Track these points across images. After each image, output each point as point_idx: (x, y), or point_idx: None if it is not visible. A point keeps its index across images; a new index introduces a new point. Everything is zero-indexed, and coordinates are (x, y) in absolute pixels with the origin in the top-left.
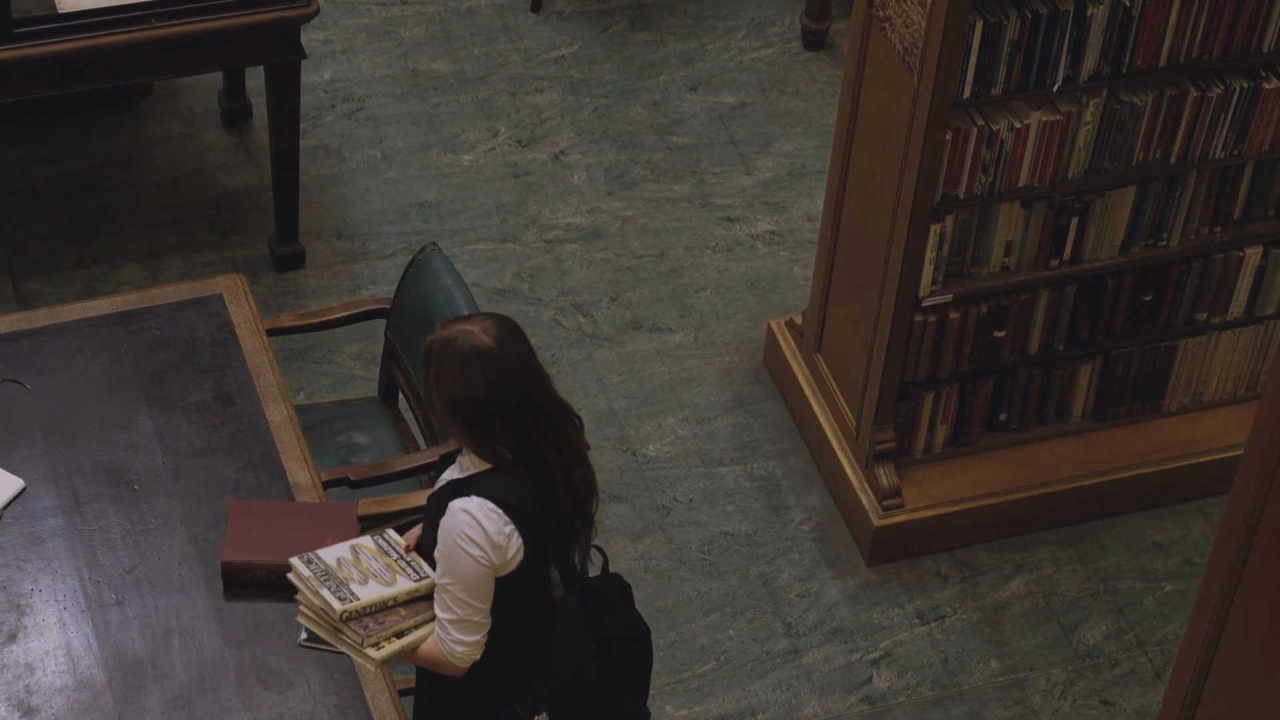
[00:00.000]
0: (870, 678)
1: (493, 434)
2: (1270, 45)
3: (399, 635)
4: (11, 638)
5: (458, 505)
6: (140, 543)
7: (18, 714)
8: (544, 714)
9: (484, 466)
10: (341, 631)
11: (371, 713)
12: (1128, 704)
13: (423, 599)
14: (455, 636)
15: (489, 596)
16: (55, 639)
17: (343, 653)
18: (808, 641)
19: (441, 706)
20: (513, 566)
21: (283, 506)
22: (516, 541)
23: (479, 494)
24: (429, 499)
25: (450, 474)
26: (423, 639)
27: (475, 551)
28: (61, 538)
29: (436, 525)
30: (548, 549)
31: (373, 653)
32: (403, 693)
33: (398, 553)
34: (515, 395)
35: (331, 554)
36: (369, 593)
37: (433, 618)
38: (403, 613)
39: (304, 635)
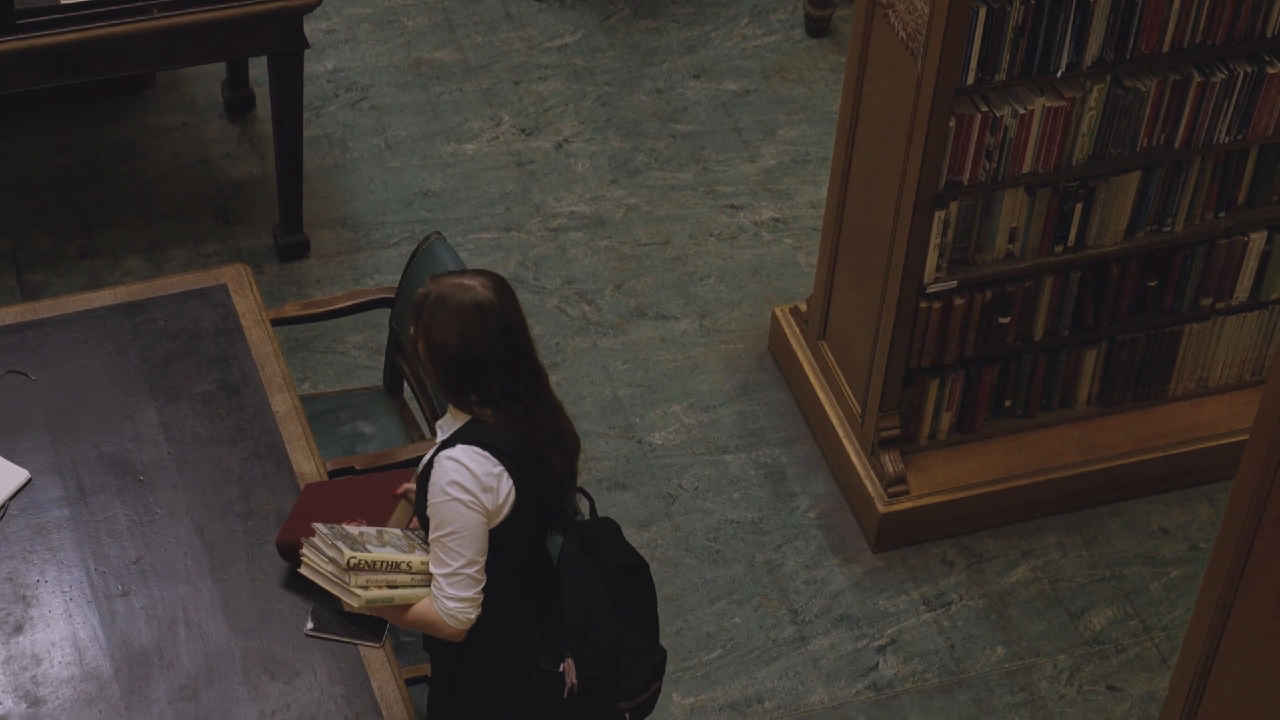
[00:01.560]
0: (876, 664)
1: (481, 387)
2: (1274, 30)
3: (392, 587)
4: (18, 629)
5: (444, 454)
6: (146, 533)
7: (25, 705)
8: (569, 660)
9: (454, 426)
10: (338, 580)
11: (378, 701)
12: (1134, 690)
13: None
14: (449, 592)
15: (483, 549)
16: (62, 630)
17: (353, 643)
18: (814, 629)
19: (460, 690)
20: (505, 511)
21: (354, 481)
22: (507, 483)
23: (463, 441)
24: (418, 478)
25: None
26: (415, 598)
27: (465, 497)
28: (67, 529)
29: (423, 482)
30: (541, 497)
31: (360, 592)
32: (410, 681)
33: (421, 540)
34: (509, 349)
35: (355, 527)
36: (381, 554)
37: (429, 581)
38: (406, 578)
39: (310, 625)
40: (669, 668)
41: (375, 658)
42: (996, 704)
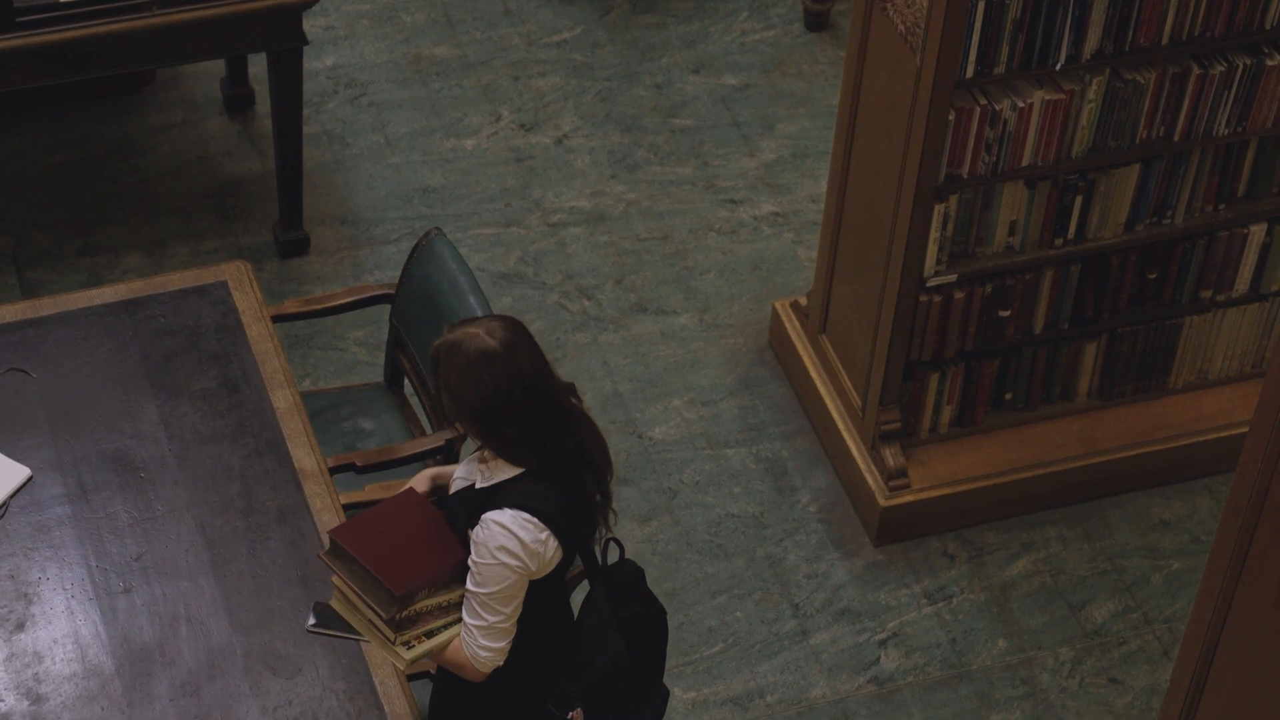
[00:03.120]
0: (878, 658)
1: (507, 435)
2: (1273, 22)
3: (429, 635)
4: (20, 626)
5: (491, 518)
6: (147, 530)
7: (27, 702)
8: (578, 710)
9: (509, 472)
10: (376, 626)
11: (380, 697)
12: (1136, 682)
13: (455, 604)
14: (481, 643)
15: (520, 605)
16: (63, 627)
17: (354, 639)
18: (815, 623)
19: (467, 708)
20: (549, 569)
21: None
22: (553, 545)
23: (511, 505)
24: (450, 498)
25: (465, 473)
26: (451, 639)
27: (513, 563)
28: (68, 526)
29: (456, 521)
30: (575, 547)
31: (404, 652)
32: (411, 678)
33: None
34: (523, 395)
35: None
36: (425, 604)
37: (459, 619)
38: (440, 622)
39: (311, 621)
40: (670, 662)
41: (377, 654)
42: (998, 697)
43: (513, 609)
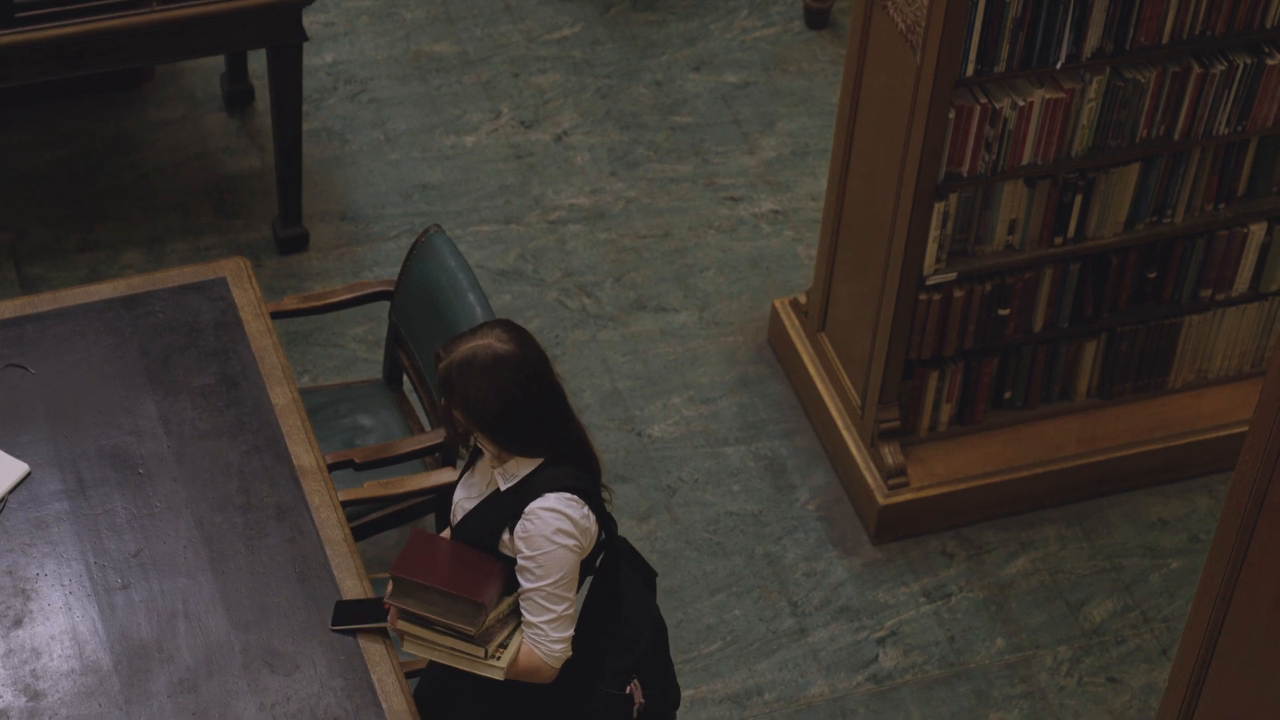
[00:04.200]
0: (876, 656)
1: (529, 431)
2: (1273, 21)
3: (503, 646)
4: (17, 622)
5: (536, 507)
6: (145, 527)
7: (24, 698)
8: (634, 681)
9: (528, 465)
10: (461, 650)
11: (378, 695)
12: (1134, 681)
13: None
14: (553, 636)
15: (577, 585)
16: (61, 623)
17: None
18: (814, 621)
19: (513, 713)
20: (590, 548)
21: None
22: (594, 519)
23: (550, 489)
24: (473, 513)
25: (468, 491)
26: (519, 646)
27: (570, 543)
28: (67, 522)
29: (483, 535)
30: (605, 521)
31: (495, 663)
32: (409, 674)
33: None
34: (542, 390)
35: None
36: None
37: (518, 626)
38: (499, 627)
39: (333, 622)
40: None
41: (375, 651)
42: (996, 695)
43: (574, 594)
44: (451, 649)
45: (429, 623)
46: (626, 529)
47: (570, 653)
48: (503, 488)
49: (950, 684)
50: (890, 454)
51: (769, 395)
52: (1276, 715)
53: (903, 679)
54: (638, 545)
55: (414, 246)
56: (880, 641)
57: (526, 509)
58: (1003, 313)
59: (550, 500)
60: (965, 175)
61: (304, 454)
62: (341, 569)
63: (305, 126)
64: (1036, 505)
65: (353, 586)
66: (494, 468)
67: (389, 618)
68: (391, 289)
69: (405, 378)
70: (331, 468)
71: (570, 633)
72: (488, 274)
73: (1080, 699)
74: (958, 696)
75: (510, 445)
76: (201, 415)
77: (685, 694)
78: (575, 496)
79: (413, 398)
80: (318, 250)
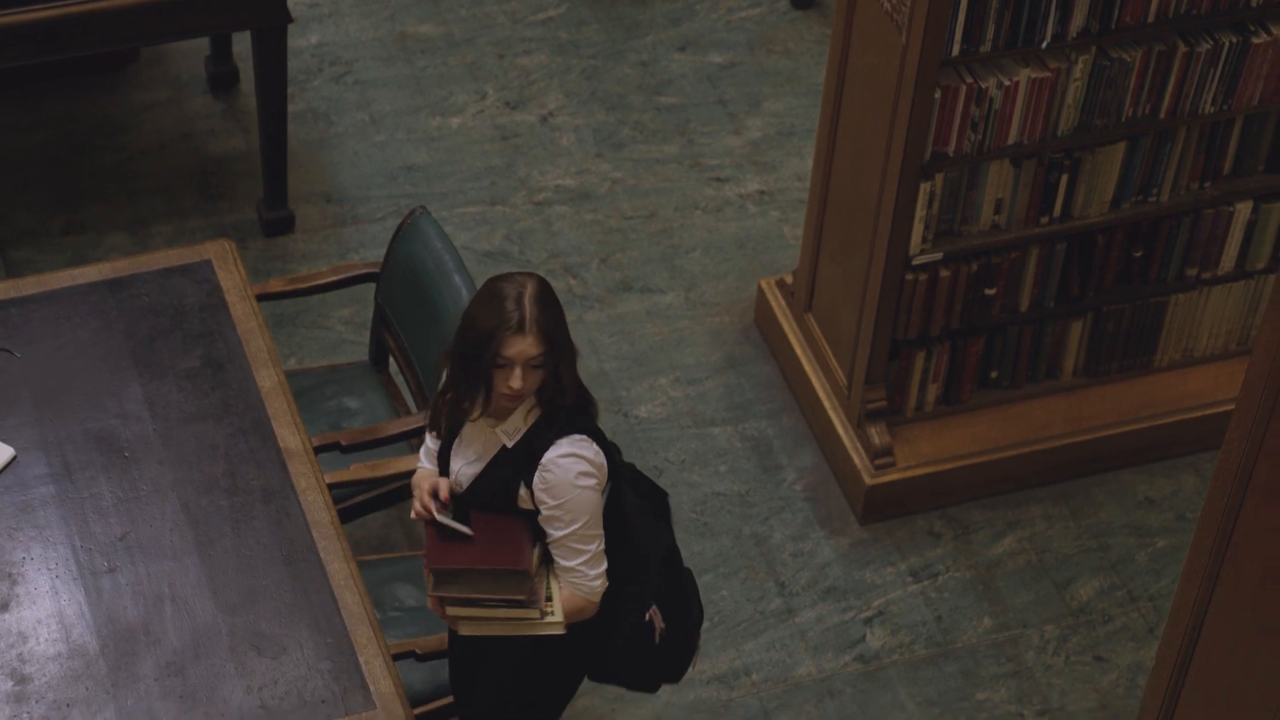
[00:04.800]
0: (864, 636)
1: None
2: (1259, 0)
3: (548, 598)
4: (4, 606)
5: (552, 457)
6: (132, 510)
7: (11, 683)
8: (652, 607)
9: (526, 420)
10: (518, 617)
11: (365, 677)
12: (1121, 660)
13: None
14: (590, 575)
15: (601, 521)
16: (48, 607)
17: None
18: (801, 601)
19: (536, 666)
20: (606, 485)
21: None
22: (604, 459)
23: (559, 435)
24: (484, 475)
25: (470, 456)
26: (559, 591)
27: (591, 483)
28: (53, 505)
29: (496, 495)
30: (609, 454)
31: (552, 619)
32: (396, 657)
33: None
34: None
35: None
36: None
37: (550, 571)
38: (539, 580)
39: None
40: None
41: (363, 634)
42: (984, 675)
43: (601, 530)
44: (506, 619)
45: (478, 602)
46: None
47: (607, 584)
48: (510, 444)
49: (937, 663)
50: (877, 434)
51: (755, 376)
52: (1263, 693)
53: (890, 659)
54: None
55: (399, 228)
56: (867, 621)
57: (542, 461)
58: (989, 292)
59: (564, 446)
60: (951, 155)
61: (290, 436)
62: (328, 551)
63: (290, 108)
64: (1023, 485)
65: (339, 569)
66: (493, 426)
67: (435, 608)
68: (377, 271)
69: (391, 360)
70: (318, 450)
71: (605, 566)
72: (474, 255)
73: (1067, 678)
74: (945, 676)
75: (571, 373)
76: (187, 398)
77: None
78: (583, 436)
79: (399, 380)
80: (303, 232)
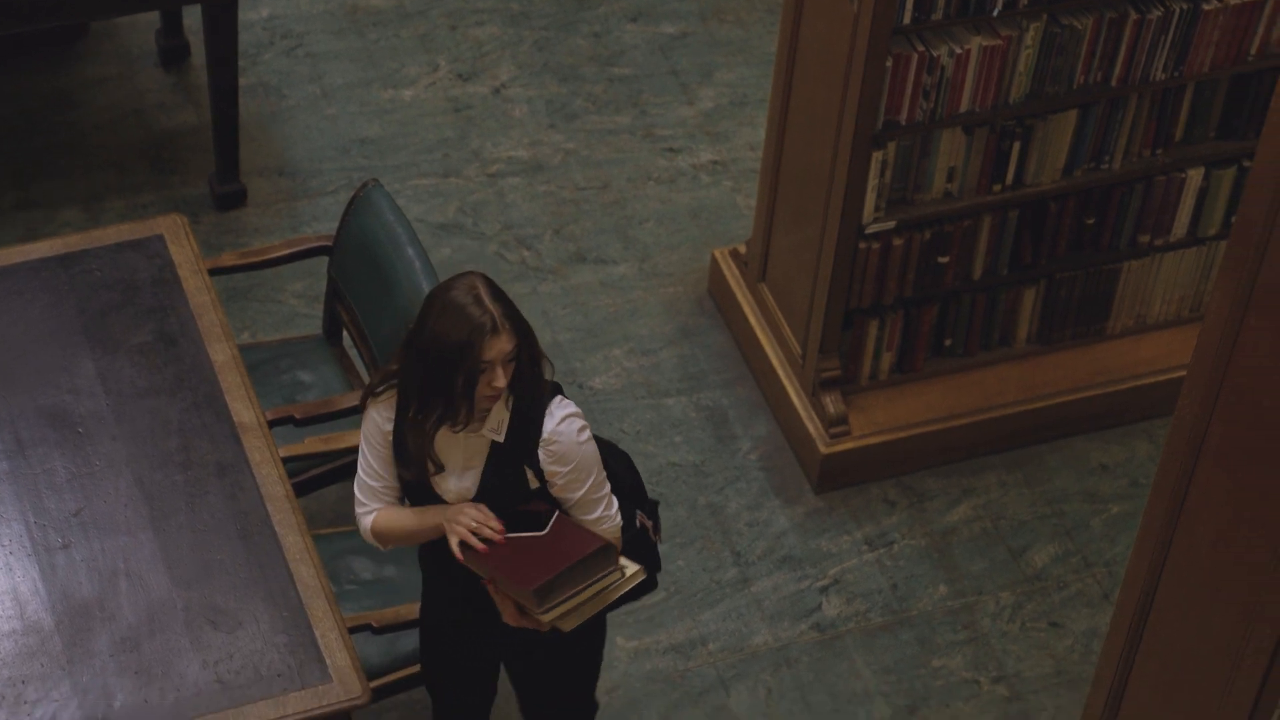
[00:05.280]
0: (819, 605)
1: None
2: None
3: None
4: None
5: (551, 429)
6: (85, 485)
7: None
8: (637, 512)
9: (503, 408)
10: (610, 581)
11: (321, 650)
12: (1076, 625)
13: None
14: (612, 513)
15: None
16: (2, 584)
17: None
18: (757, 570)
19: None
20: None
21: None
22: None
23: (541, 407)
24: (485, 493)
25: (463, 463)
26: (615, 535)
27: (588, 434)
28: (5, 482)
29: (503, 501)
30: None
31: (629, 568)
32: (352, 630)
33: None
34: None
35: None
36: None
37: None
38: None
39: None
40: (611, 615)
41: (318, 607)
42: (939, 642)
43: (604, 471)
44: (598, 594)
45: (578, 593)
46: None
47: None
48: (501, 439)
49: (893, 631)
50: (831, 403)
51: (710, 346)
52: (1216, 657)
53: (846, 627)
54: None
55: (352, 201)
56: (823, 590)
57: (544, 437)
58: (942, 260)
59: (556, 414)
60: (903, 123)
61: (244, 410)
62: (283, 525)
63: (242, 82)
64: (977, 452)
65: (294, 542)
66: (475, 432)
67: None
68: (330, 244)
69: (345, 333)
70: (272, 424)
71: (617, 501)
72: (427, 228)
73: (1023, 644)
74: (901, 644)
75: (538, 353)
76: (140, 373)
77: (629, 645)
78: (559, 396)
79: (353, 353)
80: (255, 206)
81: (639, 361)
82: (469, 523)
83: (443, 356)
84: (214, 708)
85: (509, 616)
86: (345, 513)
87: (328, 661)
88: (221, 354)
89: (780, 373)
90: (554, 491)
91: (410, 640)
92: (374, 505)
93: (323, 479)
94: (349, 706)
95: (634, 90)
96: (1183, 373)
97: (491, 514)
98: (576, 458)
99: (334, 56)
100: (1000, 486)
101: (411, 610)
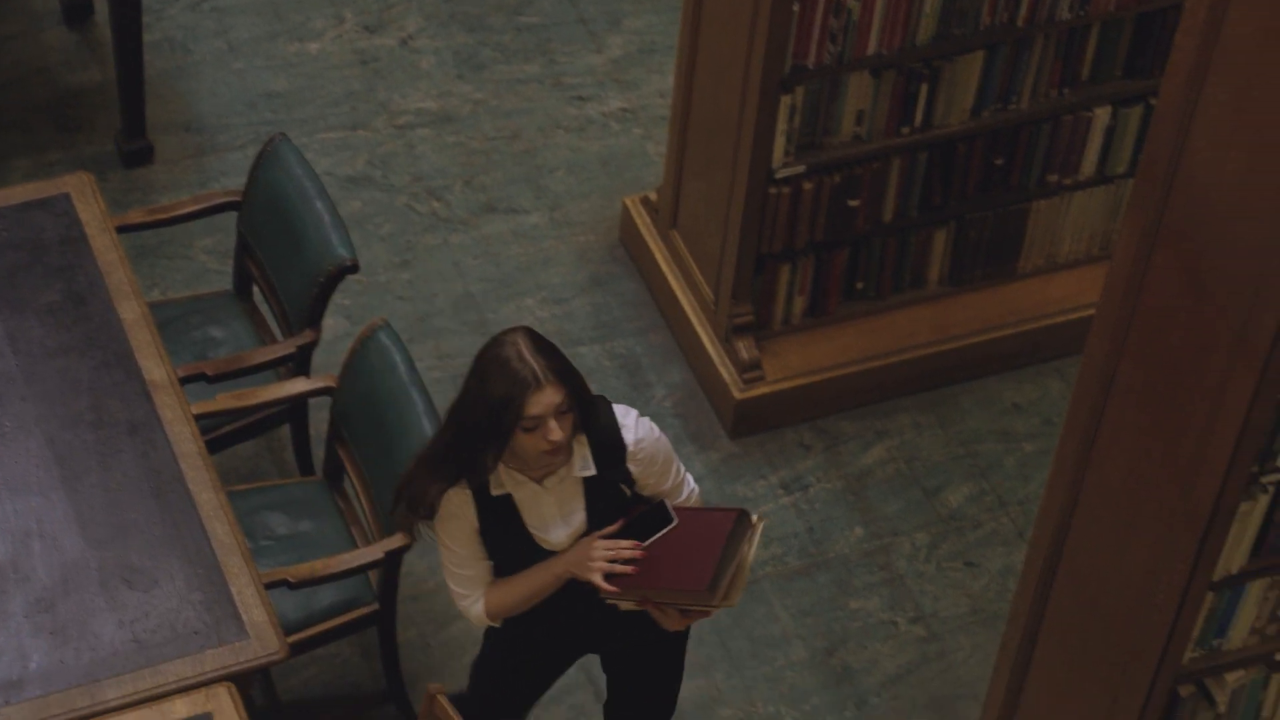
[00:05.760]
0: None
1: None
2: None
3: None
4: None
5: (631, 440)
6: None
7: None
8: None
9: (580, 441)
10: (744, 559)
11: (238, 607)
12: (991, 564)
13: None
14: (688, 477)
15: None
16: None
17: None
18: None
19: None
20: None
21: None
22: None
23: (613, 426)
24: (595, 523)
25: (558, 501)
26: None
27: (653, 424)
28: None
29: (617, 516)
30: None
31: (756, 524)
32: (269, 586)
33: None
34: None
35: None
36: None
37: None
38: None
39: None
40: None
41: (234, 564)
42: (857, 584)
43: None
44: (745, 556)
45: (735, 564)
46: None
47: None
48: (593, 472)
49: (810, 574)
50: (745, 348)
51: (622, 294)
52: (1128, 591)
53: (763, 571)
54: None
55: (260, 156)
56: None
57: (629, 451)
58: (852, 204)
59: (629, 424)
60: (811, 68)
61: (155, 368)
62: (197, 482)
63: (146, 38)
64: (891, 394)
65: (209, 499)
66: (559, 481)
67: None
68: (239, 199)
69: (255, 288)
70: (183, 381)
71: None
72: (336, 181)
73: (939, 584)
74: (818, 586)
75: (589, 395)
76: (49, 333)
77: None
78: (613, 404)
79: (264, 308)
80: (163, 163)
81: (551, 311)
82: (603, 554)
83: (486, 414)
84: (131, 667)
85: (672, 624)
86: (259, 468)
87: (244, 618)
88: (131, 312)
89: (693, 319)
90: (645, 491)
91: (327, 594)
92: (477, 592)
93: (236, 435)
94: (267, 663)
95: (542, 39)
96: (1093, 311)
97: (617, 544)
98: (659, 451)
99: (239, 10)
100: (914, 428)
101: (328, 565)
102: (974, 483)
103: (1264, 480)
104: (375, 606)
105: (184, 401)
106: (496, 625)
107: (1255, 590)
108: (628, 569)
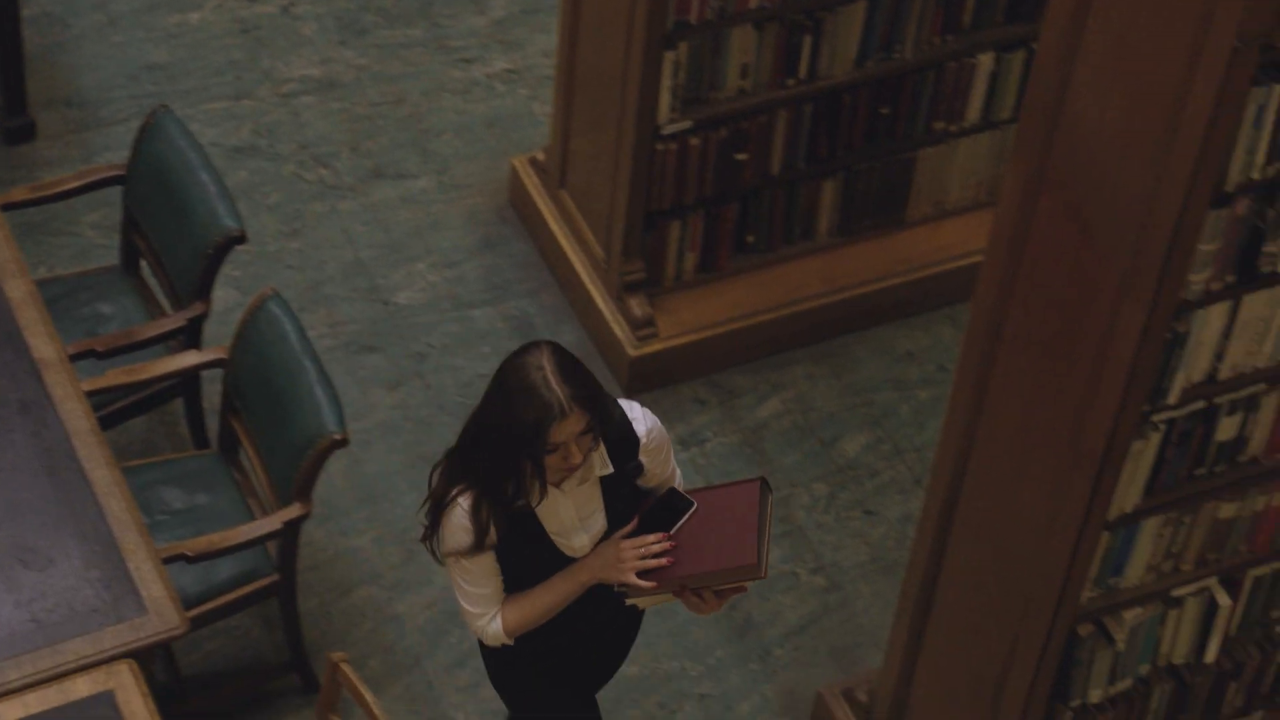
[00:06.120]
0: None
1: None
2: None
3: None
4: None
5: (643, 432)
6: None
7: None
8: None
9: (600, 448)
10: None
11: (135, 583)
12: (890, 512)
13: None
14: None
15: None
16: None
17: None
18: None
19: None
20: None
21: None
22: None
23: (627, 421)
24: (614, 523)
25: (578, 524)
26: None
27: (651, 414)
28: None
29: (636, 511)
30: None
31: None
32: (166, 560)
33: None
34: None
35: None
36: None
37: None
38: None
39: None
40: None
41: (130, 540)
42: None
43: None
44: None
45: (768, 533)
46: (377, 399)
47: None
48: (611, 470)
49: None
50: (637, 305)
51: (513, 255)
52: (1025, 534)
53: None
54: (390, 415)
55: (143, 129)
56: None
57: (642, 444)
58: (740, 158)
59: (638, 418)
60: (694, 23)
61: (44, 346)
62: (90, 460)
63: (24, 12)
64: (784, 347)
65: (103, 476)
66: (577, 484)
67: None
68: (123, 173)
69: (143, 262)
70: (74, 358)
71: None
72: (221, 152)
73: (839, 534)
74: None
75: (610, 409)
76: None
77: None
78: (619, 400)
79: (152, 282)
80: (45, 139)
81: (443, 274)
82: (633, 553)
83: (508, 437)
84: (30, 647)
85: (712, 607)
86: (153, 443)
87: (143, 594)
88: (18, 290)
89: (585, 278)
90: (651, 482)
91: (226, 566)
92: (493, 610)
93: (128, 410)
94: (167, 637)
95: (424, 2)
96: (981, 257)
97: (644, 541)
98: (664, 438)
99: None
100: (808, 379)
101: (226, 537)
102: (870, 431)
103: (1155, 419)
104: (275, 577)
105: (74, 379)
106: (510, 644)
107: (1150, 528)
108: (661, 561)
